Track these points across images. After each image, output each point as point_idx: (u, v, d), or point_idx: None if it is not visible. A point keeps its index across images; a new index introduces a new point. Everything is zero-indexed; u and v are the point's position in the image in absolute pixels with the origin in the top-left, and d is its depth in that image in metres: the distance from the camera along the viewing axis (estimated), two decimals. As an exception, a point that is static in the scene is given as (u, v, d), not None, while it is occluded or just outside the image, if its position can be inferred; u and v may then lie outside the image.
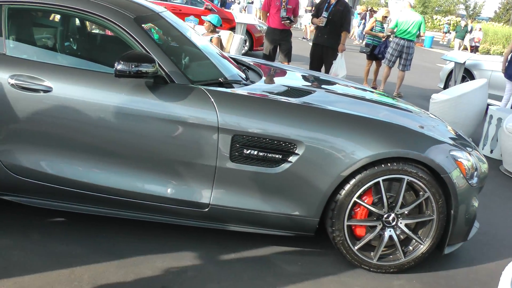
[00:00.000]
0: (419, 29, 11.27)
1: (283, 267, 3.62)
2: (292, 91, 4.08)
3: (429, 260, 3.90)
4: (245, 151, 3.45)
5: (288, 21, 8.91)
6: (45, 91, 3.39)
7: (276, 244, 3.89)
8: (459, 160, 3.68)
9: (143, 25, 3.64)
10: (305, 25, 23.36)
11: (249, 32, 13.79)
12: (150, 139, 3.44)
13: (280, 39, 9.05)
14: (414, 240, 3.76)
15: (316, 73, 5.73)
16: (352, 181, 3.52)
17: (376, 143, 3.51)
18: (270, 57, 9.09)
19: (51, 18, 4.44)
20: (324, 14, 8.95)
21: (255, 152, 3.46)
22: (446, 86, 12.04)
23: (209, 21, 8.67)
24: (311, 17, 9.56)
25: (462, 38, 28.56)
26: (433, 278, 3.79)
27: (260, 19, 16.01)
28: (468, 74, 11.68)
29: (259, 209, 3.55)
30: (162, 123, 3.40)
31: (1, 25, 3.58)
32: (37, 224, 3.73)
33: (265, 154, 3.47)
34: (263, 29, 13.25)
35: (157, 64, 3.37)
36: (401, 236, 3.74)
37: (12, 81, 3.37)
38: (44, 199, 3.61)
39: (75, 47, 4.39)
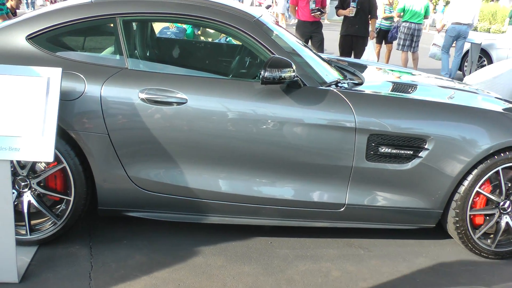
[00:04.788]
0: (426, 11, 11.35)
1: (412, 260, 3.71)
2: (401, 87, 4.14)
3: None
4: (379, 149, 3.50)
5: (319, 13, 8.91)
6: (179, 103, 3.37)
7: (392, 238, 3.99)
8: None
9: (263, 28, 3.64)
10: (276, 13, 23.12)
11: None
12: (285, 144, 3.46)
13: (312, 31, 9.05)
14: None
15: (385, 64, 5.78)
16: (475, 172, 3.61)
17: (497, 133, 3.61)
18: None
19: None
20: (353, 4, 8.97)
21: (389, 150, 3.52)
22: (461, 68, 12.14)
23: None
24: (336, 9, 9.53)
25: None
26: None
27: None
28: (484, 55, 11.78)
29: (390, 205, 3.63)
30: (298, 127, 3.43)
31: (118, 38, 3.55)
32: (163, 239, 3.75)
33: (398, 151, 3.53)
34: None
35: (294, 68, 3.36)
36: None
37: (143, 96, 3.35)
38: (173, 212, 3.61)
39: (196, 56, 4.38)
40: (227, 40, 5.63)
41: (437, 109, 3.67)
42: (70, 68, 3.29)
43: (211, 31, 7.04)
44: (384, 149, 3.50)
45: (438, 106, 3.70)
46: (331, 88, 3.56)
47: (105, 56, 3.73)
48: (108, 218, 3.81)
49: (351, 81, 4.00)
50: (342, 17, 9.28)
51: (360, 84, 3.97)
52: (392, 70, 5.08)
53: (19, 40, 3.48)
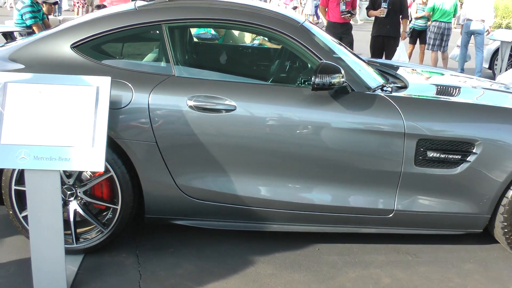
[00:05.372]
0: (455, 10, 11.22)
1: (460, 266, 3.64)
2: (445, 90, 4.08)
3: None
4: (428, 154, 3.44)
5: (349, 15, 8.87)
6: (227, 111, 3.34)
7: (439, 243, 3.93)
8: None
9: (309, 33, 3.60)
10: (305, 14, 23.05)
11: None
12: (334, 150, 3.43)
13: (341, 32, 8.99)
14: None
15: (418, 65, 5.71)
16: None
17: None
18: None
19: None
20: (384, 4, 8.90)
21: (438, 155, 3.46)
22: (491, 66, 11.97)
23: None
24: (367, 9, 9.47)
25: None
26: None
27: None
28: (515, 52, 11.59)
29: (438, 211, 3.58)
30: (347, 133, 3.39)
31: (164, 45, 3.53)
32: (210, 247, 3.72)
33: (446, 156, 3.48)
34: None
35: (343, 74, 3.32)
36: None
37: (191, 103, 3.33)
38: (221, 220, 3.59)
39: (241, 61, 4.36)
40: (257, 44, 5.63)
41: (484, 113, 3.63)
42: (117, 76, 3.28)
43: (236, 33, 7.03)
44: (432, 154, 3.45)
45: (485, 110, 3.65)
46: (379, 93, 3.52)
47: (151, 64, 3.72)
48: (152, 226, 3.80)
49: (395, 85, 3.94)
50: (373, 17, 9.18)
51: (404, 87, 3.91)
52: (431, 72, 5.01)
53: (64, 48, 3.48)
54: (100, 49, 3.58)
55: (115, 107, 3.23)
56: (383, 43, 9.12)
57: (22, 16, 7.48)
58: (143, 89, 3.31)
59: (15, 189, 3.31)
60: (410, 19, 10.75)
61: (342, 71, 3.30)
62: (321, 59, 3.45)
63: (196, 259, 3.51)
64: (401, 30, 9.22)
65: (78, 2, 20.52)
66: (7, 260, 3.42)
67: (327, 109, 3.37)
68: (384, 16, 8.91)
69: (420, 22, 11.74)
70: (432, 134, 3.43)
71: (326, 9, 9.13)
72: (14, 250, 3.53)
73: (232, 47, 4.49)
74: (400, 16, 9.11)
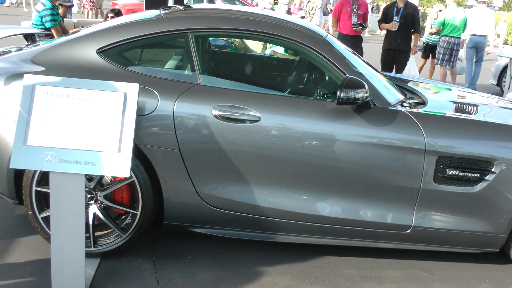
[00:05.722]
0: (464, 25, 11.25)
1: (476, 285, 3.64)
2: (464, 107, 4.10)
3: None
4: (447, 171, 3.46)
5: (360, 27, 8.91)
6: (251, 121, 3.37)
7: (454, 261, 3.93)
8: None
9: (333, 47, 3.63)
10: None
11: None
12: (354, 164, 3.46)
13: (352, 45, 8.98)
14: None
15: (436, 81, 5.74)
16: None
17: None
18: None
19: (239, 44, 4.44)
20: (396, 18, 8.95)
21: (457, 173, 3.48)
22: (499, 83, 12.01)
23: None
24: (379, 22, 9.52)
25: None
26: None
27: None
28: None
29: (455, 228, 3.60)
30: (368, 148, 3.42)
31: (190, 54, 3.56)
32: (227, 256, 3.74)
33: (465, 174, 3.50)
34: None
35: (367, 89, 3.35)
36: None
37: (216, 112, 3.35)
38: (240, 229, 3.60)
39: (266, 72, 4.39)
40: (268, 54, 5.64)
41: (504, 132, 3.65)
42: (143, 83, 3.30)
43: (249, 42, 7.05)
44: (452, 172, 3.47)
45: (505, 129, 3.67)
46: (401, 109, 3.54)
47: (176, 72, 3.74)
48: (169, 232, 3.80)
49: (413, 101, 3.96)
50: (384, 31, 9.24)
51: (422, 103, 3.93)
52: (440, 87, 5.04)
53: (89, 53, 3.50)
54: (126, 55, 3.60)
55: (140, 113, 3.25)
56: (394, 56, 9.15)
57: (41, 18, 7.49)
58: (168, 96, 3.33)
59: (35, 190, 3.32)
60: (422, 34, 10.76)
61: (366, 86, 3.32)
62: (344, 73, 3.48)
63: (213, 267, 3.52)
64: (412, 44, 9.23)
65: (87, 4, 20.57)
66: (25, 260, 3.44)
67: (350, 123, 3.40)
68: (395, 29, 8.94)
69: (434, 37, 11.77)
70: (452, 151, 3.45)
71: (338, 21, 9.14)
72: (31, 250, 3.55)
73: (254, 57, 4.52)
74: (412, 30, 9.12)
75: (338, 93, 3.27)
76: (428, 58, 12.09)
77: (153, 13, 3.95)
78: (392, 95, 3.74)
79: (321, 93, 3.80)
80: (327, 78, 4.02)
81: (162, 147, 3.32)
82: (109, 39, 3.54)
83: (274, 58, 4.92)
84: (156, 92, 3.32)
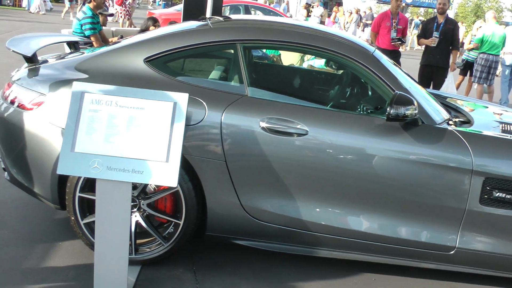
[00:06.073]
0: (504, 42, 11.08)
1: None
2: (511, 127, 4.03)
3: None
4: (494, 193, 3.40)
5: (399, 42, 8.85)
6: (299, 135, 3.35)
7: (497, 285, 3.84)
8: None
9: (381, 62, 3.60)
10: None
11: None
12: (400, 182, 3.41)
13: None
14: None
15: (474, 99, 5.67)
16: None
17: None
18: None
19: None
20: (435, 34, 8.83)
21: (504, 195, 3.41)
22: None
23: None
24: (418, 37, 9.44)
25: None
26: None
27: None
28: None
29: (501, 252, 3.53)
30: (415, 166, 3.38)
31: (238, 64, 3.56)
32: (267, 269, 3.73)
33: (512, 196, 3.41)
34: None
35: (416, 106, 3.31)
36: None
37: (264, 125, 3.35)
38: (282, 243, 3.58)
39: (312, 85, 4.38)
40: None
41: None
42: (190, 92, 3.30)
43: (284, 54, 7.05)
44: (499, 194, 3.41)
45: None
46: (449, 128, 3.50)
47: (224, 82, 3.75)
48: (209, 243, 3.80)
49: (459, 119, 3.91)
50: (423, 46, 9.15)
51: (467, 122, 3.88)
52: (485, 107, 4.98)
53: (137, 62, 3.53)
54: (173, 65, 3.63)
55: (187, 123, 3.25)
56: (432, 72, 9.03)
57: (81, 26, 7.60)
58: (216, 107, 3.34)
59: (79, 196, 3.35)
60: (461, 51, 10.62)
61: (415, 103, 3.28)
62: (392, 89, 3.45)
63: (254, 280, 3.51)
64: (451, 61, 9.12)
65: (121, 13, 20.84)
66: (65, 264, 3.47)
67: (398, 140, 3.37)
68: (435, 45, 8.83)
69: (473, 54, 11.61)
70: (500, 173, 3.39)
71: (377, 35, 9.10)
72: (72, 255, 3.58)
73: (297, 70, 4.51)
74: (450, 47, 9.00)
75: (388, 109, 3.24)
76: (466, 75, 11.93)
77: (196, 23, 3.97)
78: (438, 112, 3.69)
79: (364, 108, 3.77)
80: (369, 93, 3.98)
81: (208, 157, 3.33)
82: (157, 48, 3.55)
83: (318, 71, 4.91)
84: (204, 103, 3.33)
